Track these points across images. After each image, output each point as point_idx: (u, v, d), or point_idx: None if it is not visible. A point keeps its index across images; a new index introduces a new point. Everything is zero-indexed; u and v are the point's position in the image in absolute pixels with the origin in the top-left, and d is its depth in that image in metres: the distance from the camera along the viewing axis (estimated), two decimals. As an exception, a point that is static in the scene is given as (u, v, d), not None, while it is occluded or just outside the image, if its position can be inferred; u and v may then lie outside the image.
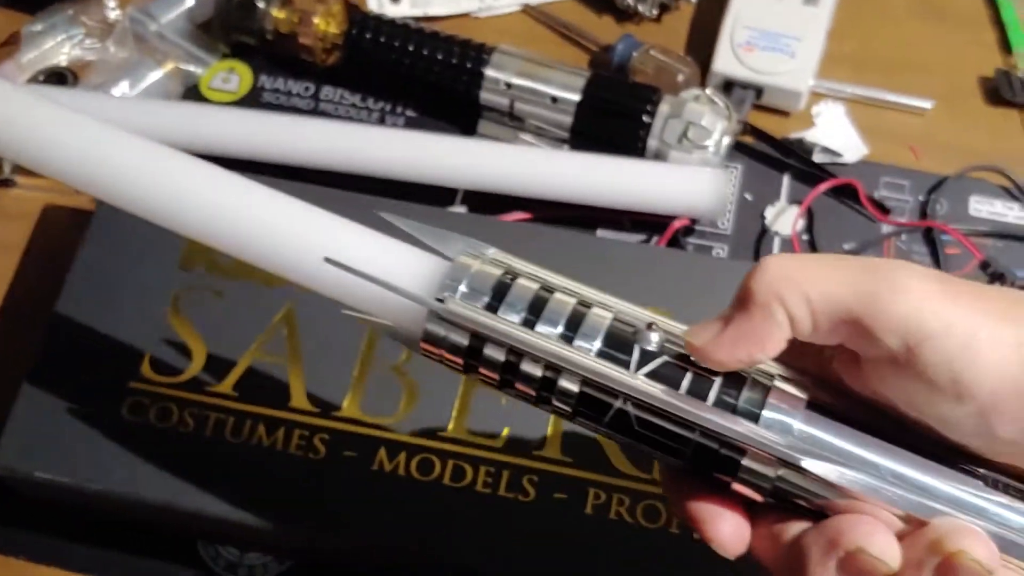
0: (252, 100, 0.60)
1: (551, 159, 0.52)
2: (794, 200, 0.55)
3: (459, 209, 0.54)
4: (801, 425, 0.26)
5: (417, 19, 0.60)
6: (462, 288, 0.28)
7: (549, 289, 0.28)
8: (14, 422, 0.42)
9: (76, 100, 0.56)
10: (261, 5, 0.58)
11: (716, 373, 0.27)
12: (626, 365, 0.27)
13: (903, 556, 0.25)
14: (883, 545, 0.25)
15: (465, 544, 0.40)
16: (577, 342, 0.27)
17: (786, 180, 0.56)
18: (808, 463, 0.26)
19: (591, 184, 0.51)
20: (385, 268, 0.29)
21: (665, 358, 0.27)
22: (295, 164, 0.54)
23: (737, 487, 0.27)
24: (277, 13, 0.58)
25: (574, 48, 0.61)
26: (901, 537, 0.25)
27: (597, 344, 0.27)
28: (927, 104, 0.57)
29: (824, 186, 0.53)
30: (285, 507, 0.41)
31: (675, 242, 0.53)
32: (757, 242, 0.54)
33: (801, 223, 0.54)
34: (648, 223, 0.54)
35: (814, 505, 0.27)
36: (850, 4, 0.60)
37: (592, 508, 0.40)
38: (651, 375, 0.27)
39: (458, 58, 0.55)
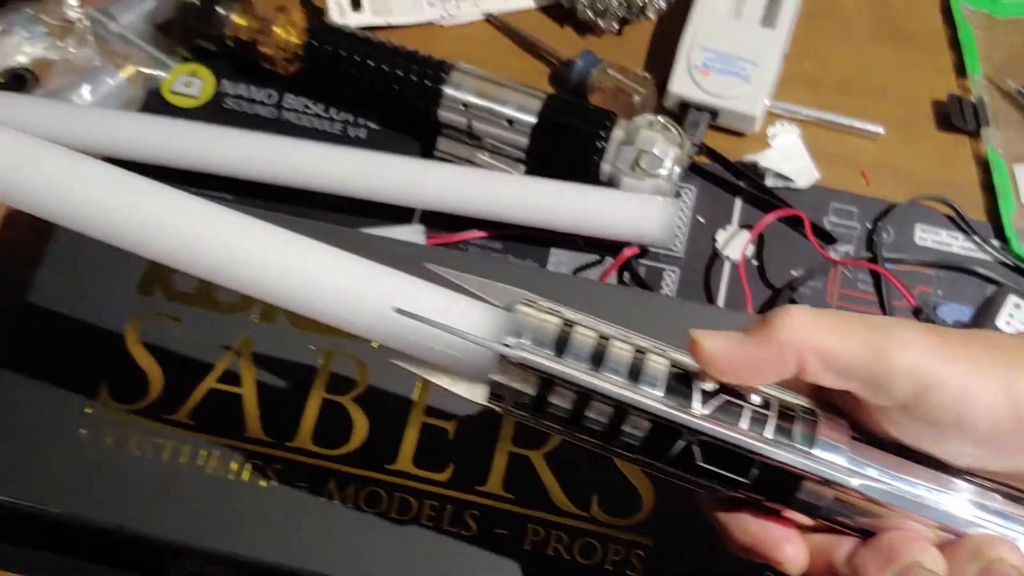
0: (214, 106, 0.60)
1: (503, 185, 0.53)
2: (745, 224, 0.56)
3: (416, 227, 0.55)
4: (850, 453, 0.29)
5: (380, 28, 0.61)
6: (525, 337, 0.30)
7: (605, 337, 0.30)
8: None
9: (39, 111, 0.56)
10: (221, 11, 0.58)
11: (769, 409, 0.30)
12: (688, 405, 0.29)
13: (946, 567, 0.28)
14: (934, 559, 0.28)
15: None
16: (641, 386, 0.29)
17: (738, 203, 0.57)
18: (860, 485, 0.29)
19: (542, 209, 0.52)
20: (450, 319, 0.30)
21: (724, 398, 0.29)
22: (252, 180, 0.54)
23: (789, 513, 0.30)
24: (238, 20, 0.58)
25: (535, 60, 0.61)
26: (939, 550, 0.29)
27: (662, 387, 0.29)
28: (879, 129, 0.58)
29: (772, 216, 0.54)
30: (238, 536, 0.42)
31: (627, 265, 0.54)
32: (707, 266, 0.55)
33: (751, 248, 0.55)
34: (602, 244, 0.55)
35: (860, 524, 0.30)
36: (809, 23, 0.61)
37: (531, 544, 0.42)
38: (714, 414, 0.29)
39: (417, 75, 0.56)
